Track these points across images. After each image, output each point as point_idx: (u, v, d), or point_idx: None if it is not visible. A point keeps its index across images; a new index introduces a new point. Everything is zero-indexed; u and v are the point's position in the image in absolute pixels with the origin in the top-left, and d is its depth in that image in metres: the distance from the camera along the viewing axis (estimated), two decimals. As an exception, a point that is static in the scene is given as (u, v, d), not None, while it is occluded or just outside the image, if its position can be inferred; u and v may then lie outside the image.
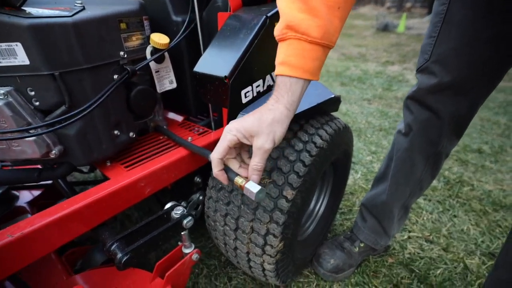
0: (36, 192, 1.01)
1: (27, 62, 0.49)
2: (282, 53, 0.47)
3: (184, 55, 0.81)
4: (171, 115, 0.99)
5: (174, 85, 0.82)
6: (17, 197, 0.96)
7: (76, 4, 0.57)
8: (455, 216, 1.23)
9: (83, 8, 0.57)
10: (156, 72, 0.77)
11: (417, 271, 0.97)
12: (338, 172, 0.95)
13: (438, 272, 0.97)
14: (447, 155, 0.78)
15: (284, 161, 0.65)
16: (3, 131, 0.48)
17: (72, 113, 0.52)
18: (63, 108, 0.54)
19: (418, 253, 1.05)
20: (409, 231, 1.15)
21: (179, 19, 0.78)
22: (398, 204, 0.85)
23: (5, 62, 0.49)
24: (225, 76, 0.57)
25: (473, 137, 1.89)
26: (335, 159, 0.84)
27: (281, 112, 0.47)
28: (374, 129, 2.01)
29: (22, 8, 0.49)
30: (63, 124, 0.51)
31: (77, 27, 0.52)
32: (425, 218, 1.22)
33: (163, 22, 0.79)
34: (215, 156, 0.49)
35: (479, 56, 0.60)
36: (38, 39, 0.48)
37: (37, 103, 0.53)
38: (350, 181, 1.44)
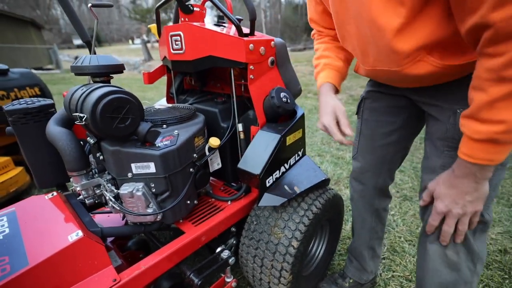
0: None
1: (153, 170, 0.93)
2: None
3: (226, 145, 1.24)
4: (211, 179, 1.42)
5: (220, 165, 1.25)
6: (106, 238, 1.38)
7: (174, 133, 1.01)
8: (432, 259, 1.53)
9: (178, 134, 1.01)
10: (210, 159, 1.20)
11: (395, 303, 1.28)
12: (333, 226, 1.31)
13: (412, 304, 1.27)
14: (385, 209, 1.18)
15: (291, 223, 1.04)
16: (139, 213, 0.90)
17: (176, 199, 0.94)
18: (167, 193, 0.96)
19: (398, 289, 1.35)
20: (393, 271, 1.46)
21: (225, 125, 1.23)
22: (364, 247, 1.21)
23: (143, 171, 0.93)
24: (258, 174, 0.99)
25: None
26: (329, 218, 1.22)
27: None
28: (373, 178, 2.35)
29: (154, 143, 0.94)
30: (168, 208, 0.93)
31: (178, 149, 0.96)
32: (407, 260, 1.52)
33: (215, 126, 1.24)
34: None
35: (379, 155, 1.03)
36: (162, 160, 0.92)
37: (153, 190, 0.96)
38: (348, 226, 1.78)
